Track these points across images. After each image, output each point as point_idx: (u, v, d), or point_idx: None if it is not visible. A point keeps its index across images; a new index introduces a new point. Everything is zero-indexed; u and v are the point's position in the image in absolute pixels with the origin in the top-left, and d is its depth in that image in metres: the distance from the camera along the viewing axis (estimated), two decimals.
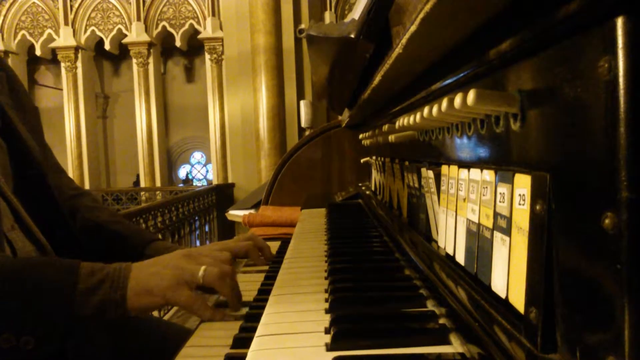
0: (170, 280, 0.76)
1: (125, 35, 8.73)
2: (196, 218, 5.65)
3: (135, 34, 8.64)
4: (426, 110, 0.60)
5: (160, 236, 3.41)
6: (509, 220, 0.46)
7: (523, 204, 0.43)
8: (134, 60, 8.74)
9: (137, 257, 1.03)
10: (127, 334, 1.02)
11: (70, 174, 8.07)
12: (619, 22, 0.29)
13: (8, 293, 0.70)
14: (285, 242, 1.32)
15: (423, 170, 0.79)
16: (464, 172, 0.60)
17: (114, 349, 0.98)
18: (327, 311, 0.67)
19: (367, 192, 1.65)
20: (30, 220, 0.91)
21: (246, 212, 2.14)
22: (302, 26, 6.47)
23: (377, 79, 0.78)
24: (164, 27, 8.75)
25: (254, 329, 0.63)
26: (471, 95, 0.44)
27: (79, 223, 1.06)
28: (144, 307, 0.76)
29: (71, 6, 8.75)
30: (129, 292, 0.75)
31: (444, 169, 0.68)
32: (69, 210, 1.04)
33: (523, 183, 0.43)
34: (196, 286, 0.79)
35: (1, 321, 0.69)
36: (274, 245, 1.33)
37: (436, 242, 0.72)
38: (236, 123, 7.01)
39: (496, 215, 0.49)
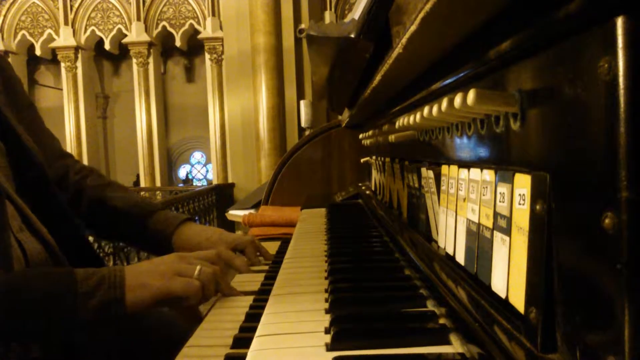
0: (163, 273, 0.80)
1: (125, 35, 8.74)
2: (196, 218, 5.63)
3: (135, 34, 8.64)
4: (426, 110, 0.60)
5: None
6: (509, 220, 0.46)
7: (523, 204, 0.43)
8: (134, 60, 8.74)
9: (140, 231, 1.08)
10: (130, 331, 1.02)
11: None
12: (619, 22, 0.29)
13: (11, 309, 0.72)
14: (285, 242, 1.32)
15: (423, 170, 0.79)
16: (464, 172, 0.60)
17: (117, 345, 0.98)
18: (327, 311, 0.66)
19: (367, 192, 1.64)
20: (37, 220, 0.91)
21: (246, 212, 2.14)
22: (302, 26, 6.48)
23: (377, 79, 0.78)
24: (164, 27, 8.75)
25: (254, 329, 0.63)
26: (471, 95, 0.44)
27: (85, 203, 1.09)
28: (140, 301, 0.78)
29: (71, 6, 8.75)
30: (127, 288, 0.77)
31: (444, 168, 0.68)
32: (75, 192, 1.09)
33: (523, 183, 0.43)
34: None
35: (9, 334, 0.71)
36: (274, 245, 1.33)
37: (436, 242, 0.72)
38: (236, 123, 7.01)
39: (496, 215, 0.49)
